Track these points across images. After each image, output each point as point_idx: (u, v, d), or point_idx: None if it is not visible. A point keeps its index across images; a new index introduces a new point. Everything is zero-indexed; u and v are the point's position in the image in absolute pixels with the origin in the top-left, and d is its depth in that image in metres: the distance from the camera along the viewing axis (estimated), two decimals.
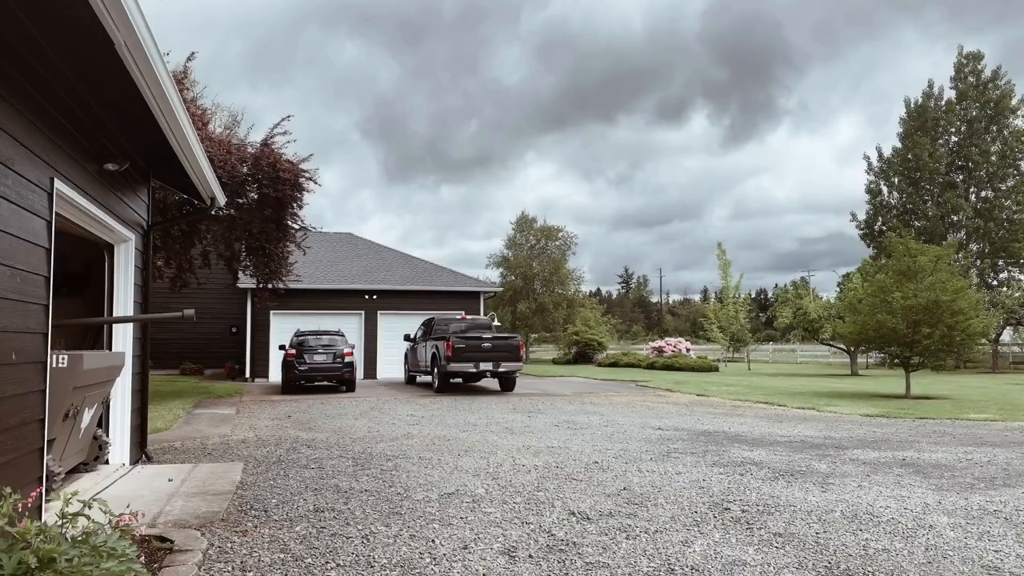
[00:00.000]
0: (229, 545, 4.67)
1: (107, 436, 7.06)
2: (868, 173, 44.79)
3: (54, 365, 5.03)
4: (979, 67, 41.29)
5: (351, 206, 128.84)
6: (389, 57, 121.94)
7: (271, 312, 24.08)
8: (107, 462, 7.04)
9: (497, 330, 21.38)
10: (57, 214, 4.99)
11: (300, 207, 15.77)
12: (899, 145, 43.43)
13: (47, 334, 4.69)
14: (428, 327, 20.36)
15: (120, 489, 6.21)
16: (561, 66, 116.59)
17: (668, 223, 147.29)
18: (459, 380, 19.37)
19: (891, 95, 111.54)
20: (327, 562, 4.36)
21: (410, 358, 21.84)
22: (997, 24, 71.87)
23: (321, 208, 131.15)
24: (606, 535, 5.00)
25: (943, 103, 42.05)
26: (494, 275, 49.11)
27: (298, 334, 19.21)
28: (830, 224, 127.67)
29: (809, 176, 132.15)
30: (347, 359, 18.53)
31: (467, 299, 26.87)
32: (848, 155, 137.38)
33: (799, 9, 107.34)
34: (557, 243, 50.40)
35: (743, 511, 5.71)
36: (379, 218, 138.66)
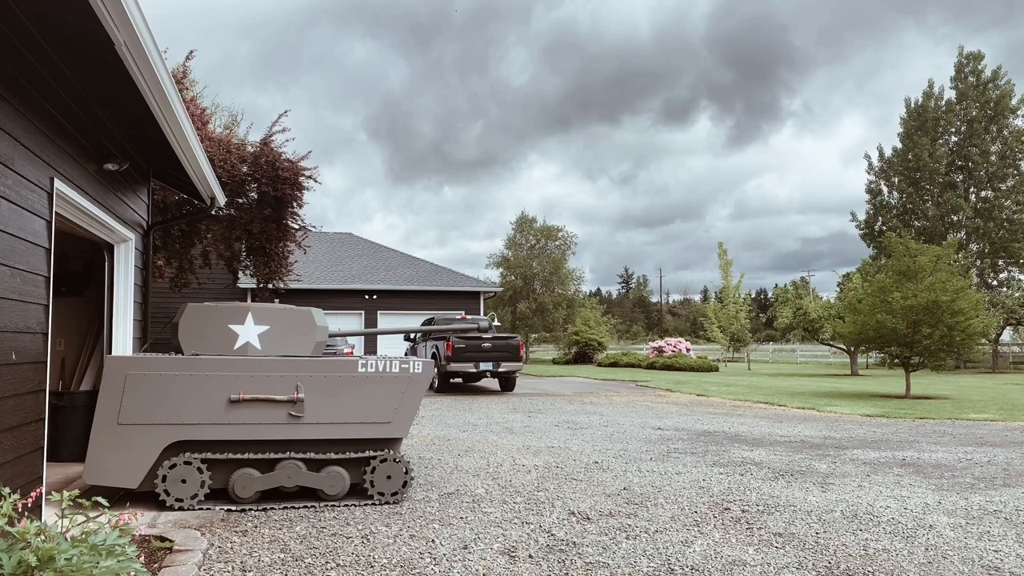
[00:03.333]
0: (229, 545, 4.67)
1: None
2: (868, 173, 44.84)
3: (411, 371, 5.96)
4: (979, 67, 41.27)
5: (354, 206, 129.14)
6: (399, 57, 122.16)
7: None
8: None
9: (497, 330, 21.37)
10: (57, 214, 5.00)
11: (300, 206, 15.74)
12: (899, 145, 43.44)
13: (47, 334, 4.69)
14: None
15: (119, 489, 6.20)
16: (567, 68, 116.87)
17: (670, 223, 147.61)
18: (459, 380, 19.37)
19: (894, 96, 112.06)
20: (327, 562, 4.36)
21: None
22: (999, 25, 72.03)
23: (324, 208, 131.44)
24: (606, 535, 5.00)
25: (943, 103, 42.05)
26: (494, 275, 49.12)
27: None
28: (832, 224, 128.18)
29: (812, 176, 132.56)
30: None
31: (467, 299, 26.89)
32: (851, 155, 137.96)
33: (803, 12, 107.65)
34: (557, 243, 50.38)
35: (743, 511, 5.71)
36: (382, 218, 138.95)
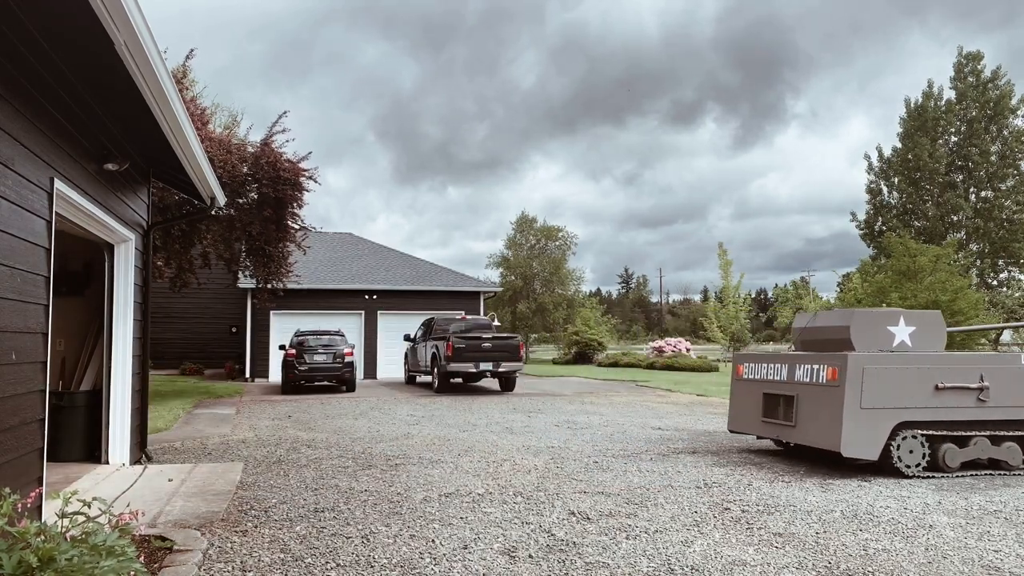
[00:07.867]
0: (229, 545, 4.67)
1: None
2: (868, 173, 44.80)
3: None
4: (979, 67, 41.25)
5: (357, 206, 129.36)
6: (410, 58, 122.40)
7: (271, 312, 24.05)
8: None
9: (497, 330, 21.36)
10: (57, 214, 5.00)
11: (300, 207, 15.74)
12: (899, 145, 43.41)
13: (47, 334, 4.69)
14: (428, 327, 20.34)
15: (120, 489, 6.21)
16: (574, 69, 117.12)
17: (673, 223, 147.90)
18: (459, 380, 19.36)
19: (897, 97, 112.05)
20: (327, 562, 4.36)
21: (410, 358, 21.83)
22: (1003, 26, 71.93)
23: (327, 208, 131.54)
24: (606, 535, 5.00)
25: (943, 103, 42.02)
26: (494, 275, 49.11)
27: (298, 334, 19.19)
28: (835, 224, 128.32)
29: (815, 177, 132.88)
30: (347, 359, 18.51)
31: (467, 299, 26.85)
32: (855, 156, 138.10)
33: (809, 15, 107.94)
34: (557, 243, 50.38)
35: (743, 511, 5.71)
36: (385, 218, 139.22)
